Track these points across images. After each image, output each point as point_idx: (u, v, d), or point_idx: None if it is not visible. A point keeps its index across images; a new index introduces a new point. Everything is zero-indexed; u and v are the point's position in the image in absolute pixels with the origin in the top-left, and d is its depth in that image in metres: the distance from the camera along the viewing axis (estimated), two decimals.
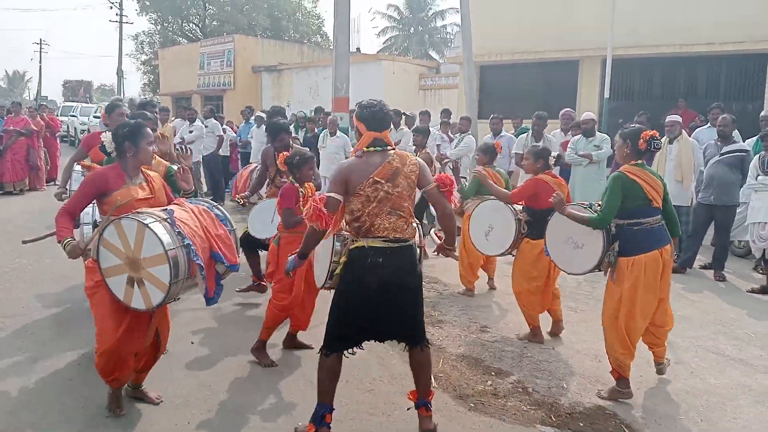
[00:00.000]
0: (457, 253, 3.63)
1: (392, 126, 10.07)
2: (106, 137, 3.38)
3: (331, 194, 3.11)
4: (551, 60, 13.92)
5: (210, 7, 35.72)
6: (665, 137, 7.51)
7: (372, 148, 3.18)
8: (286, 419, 3.51)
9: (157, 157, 4.50)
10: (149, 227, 3.01)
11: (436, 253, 3.53)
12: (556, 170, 6.22)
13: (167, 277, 3.01)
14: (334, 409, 3.24)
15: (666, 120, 7.57)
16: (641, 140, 3.83)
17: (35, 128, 12.31)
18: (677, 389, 4.04)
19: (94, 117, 22.40)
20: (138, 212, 3.15)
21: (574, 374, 4.26)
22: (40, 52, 48.99)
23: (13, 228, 8.51)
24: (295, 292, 4.21)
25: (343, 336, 3.22)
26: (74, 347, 4.35)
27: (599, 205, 3.98)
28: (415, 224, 3.35)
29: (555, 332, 5.03)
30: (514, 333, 5.02)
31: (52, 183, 12.88)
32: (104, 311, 3.23)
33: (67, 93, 36.94)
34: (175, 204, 3.38)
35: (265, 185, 5.61)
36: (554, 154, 5.11)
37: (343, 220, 3.26)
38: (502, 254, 5.30)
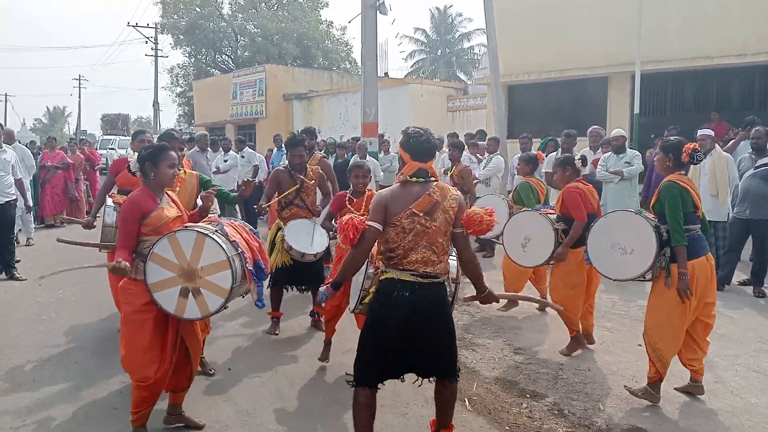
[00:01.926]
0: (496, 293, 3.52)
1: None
2: (132, 158, 3.56)
3: (371, 223, 3.08)
4: (579, 77, 13.89)
5: (241, 38, 36.67)
6: None
7: (414, 179, 3.15)
8: None
9: (187, 170, 4.76)
10: (210, 237, 3.22)
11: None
12: None
13: (229, 283, 3.20)
14: None
15: (697, 134, 7.50)
16: (684, 153, 3.91)
17: (71, 161, 12.74)
18: (717, 408, 3.96)
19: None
20: (188, 226, 3.36)
21: (610, 396, 4.20)
22: (79, 87, 50.90)
23: (56, 260, 8.79)
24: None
25: (370, 368, 3.16)
26: (117, 375, 4.45)
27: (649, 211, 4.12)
28: (451, 259, 3.31)
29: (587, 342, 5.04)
30: (549, 354, 4.99)
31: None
32: (146, 338, 3.27)
33: (106, 126, 38.09)
34: (212, 221, 3.57)
35: (284, 206, 5.46)
36: (578, 156, 5.14)
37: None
38: (541, 265, 5.29)
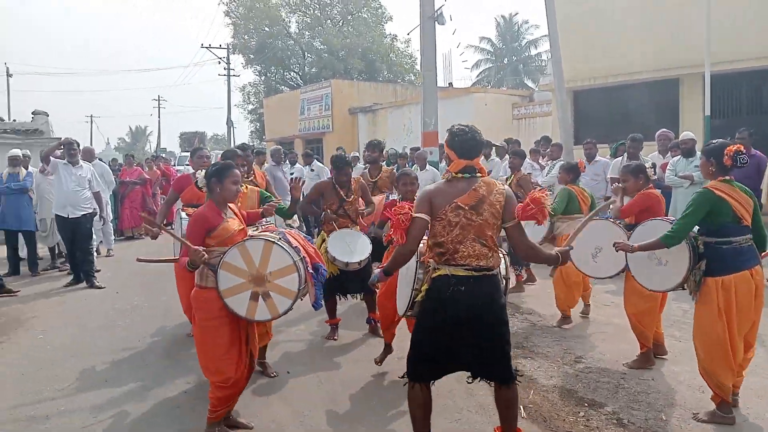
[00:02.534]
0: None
1: (483, 158, 10.22)
2: (200, 174, 3.77)
3: (418, 214, 3.12)
4: (648, 80, 13.42)
5: (309, 55, 37.56)
6: None
7: (460, 175, 3.18)
8: None
9: (249, 186, 4.96)
10: (277, 244, 3.49)
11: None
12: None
13: (296, 285, 3.48)
14: None
15: None
16: (726, 156, 3.69)
17: (148, 177, 13.45)
18: None
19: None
20: (253, 235, 3.60)
21: (674, 406, 4.04)
22: (159, 107, 53.49)
23: (133, 270, 9.27)
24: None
25: (424, 364, 3.19)
26: (183, 376, 4.70)
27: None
28: (501, 254, 3.29)
29: (659, 354, 4.88)
30: (612, 364, 4.84)
31: (170, 227, 13.90)
32: (223, 342, 3.48)
33: (184, 144, 39.73)
34: (272, 230, 3.84)
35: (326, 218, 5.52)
36: (648, 164, 4.98)
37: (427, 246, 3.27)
38: (614, 276, 5.11)
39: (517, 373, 3.24)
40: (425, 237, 3.32)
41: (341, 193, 5.50)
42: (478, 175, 3.19)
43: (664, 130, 8.80)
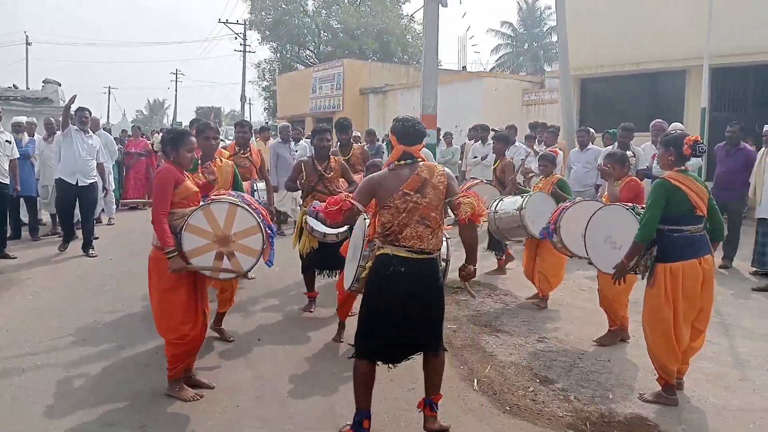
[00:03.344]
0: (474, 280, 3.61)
1: (480, 141, 10.27)
2: (156, 138, 3.91)
3: (356, 203, 3.31)
4: (655, 71, 13.32)
5: (324, 34, 37.49)
6: (763, 148, 7.13)
7: (402, 162, 3.34)
8: (328, 413, 3.72)
9: (224, 159, 5.07)
10: (241, 206, 3.72)
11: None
12: (646, 182, 6.15)
13: (260, 244, 3.73)
14: (370, 417, 3.33)
15: (764, 130, 7.16)
16: (685, 146, 3.78)
17: (154, 149, 13.65)
18: (732, 405, 3.84)
19: (222, 139, 24.26)
20: (215, 199, 3.77)
21: (624, 386, 4.17)
22: (176, 81, 53.85)
23: (130, 239, 9.52)
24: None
25: (369, 340, 3.31)
26: (157, 339, 4.83)
27: (642, 208, 4.00)
28: (443, 237, 3.44)
29: (623, 338, 5.05)
30: (573, 344, 4.98)
31: None
32: (181, 301, 3.69)
33: (200, 118, 40.03)
34: (222, 193, 4.04)
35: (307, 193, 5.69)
36: (629, 153, 5.05)
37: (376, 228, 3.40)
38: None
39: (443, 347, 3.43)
40: (368, 216, 3.53)
41: (320, 168, 5.61)
42: (419, 160, 3.35)
43: (659, 120, 8.77)
